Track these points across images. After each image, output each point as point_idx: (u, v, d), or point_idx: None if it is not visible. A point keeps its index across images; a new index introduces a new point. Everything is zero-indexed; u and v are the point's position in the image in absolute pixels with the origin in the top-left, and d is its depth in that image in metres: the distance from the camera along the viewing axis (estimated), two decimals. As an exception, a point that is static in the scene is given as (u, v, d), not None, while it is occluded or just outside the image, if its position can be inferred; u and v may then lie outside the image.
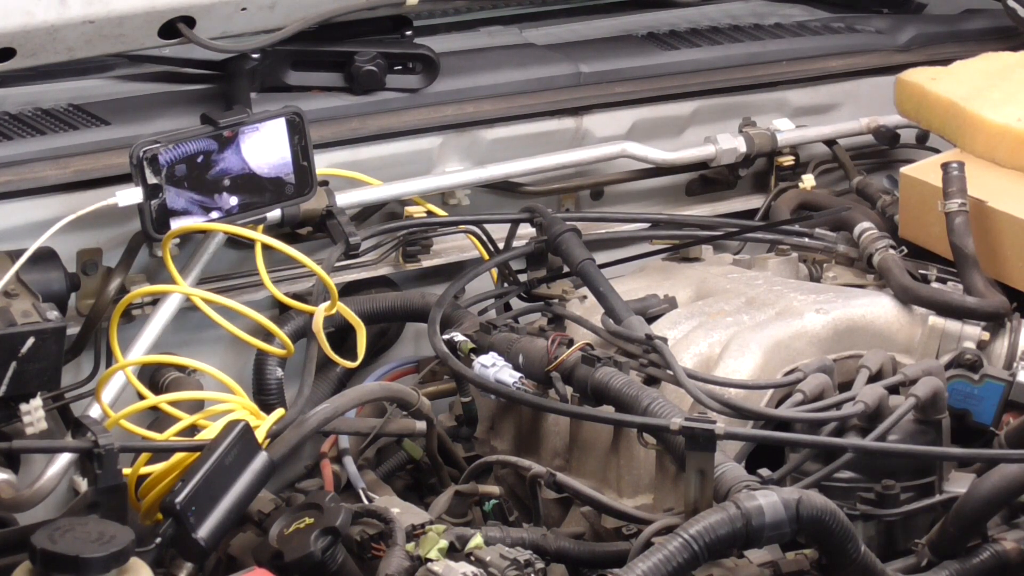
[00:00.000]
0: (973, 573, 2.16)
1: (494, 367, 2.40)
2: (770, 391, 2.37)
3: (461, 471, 2.49)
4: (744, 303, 2.57)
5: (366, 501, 2.33)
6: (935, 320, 2.58)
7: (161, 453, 2.18)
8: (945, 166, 2.71)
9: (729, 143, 3.04)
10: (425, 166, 2.86)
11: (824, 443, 2.24)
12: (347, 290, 2.74)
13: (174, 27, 2.55)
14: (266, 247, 2.51)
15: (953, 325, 2.58)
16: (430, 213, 2.82)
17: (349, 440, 2.50)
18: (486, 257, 2.80)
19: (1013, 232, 2.66)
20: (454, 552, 2.10)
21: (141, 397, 2.35)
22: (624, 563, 1.95)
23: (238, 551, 2.26)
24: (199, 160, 2.46)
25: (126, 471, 2.15)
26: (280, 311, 2.65)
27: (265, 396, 2.56)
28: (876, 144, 3.21)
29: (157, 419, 2.43)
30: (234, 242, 2.62)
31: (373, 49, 2.81)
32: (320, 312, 2.48)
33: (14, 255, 2.34)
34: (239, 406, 2.26)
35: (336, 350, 2.55)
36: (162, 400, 2.30)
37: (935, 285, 2.66)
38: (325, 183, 2.67)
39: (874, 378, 2.36)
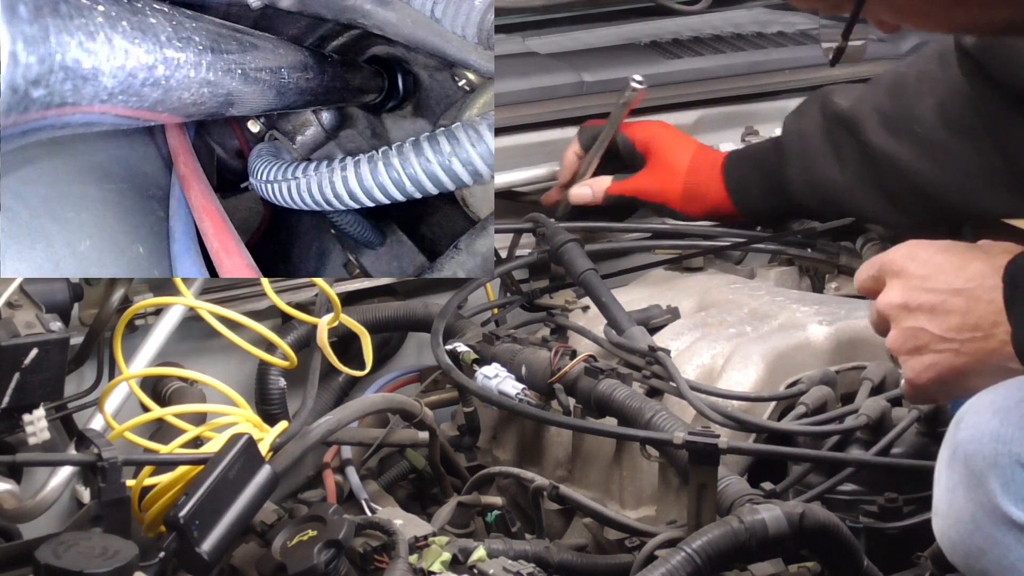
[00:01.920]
0: (975, 586, 2.16)
1: (497, 378, 2.40)
2: (772, 403, 2.37)
3: (463, 481, 2.50)
4: (747, 314, 2.57)
5: (369, 512, 2.33)
6: (938, 331, 2.57)
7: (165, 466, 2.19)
8: (948, 177, 2.70)
9: (732, 152, 3.04)
10: (427, 175, 2.86)
11: (826, 457, 2.24)
12: (349, 299, 2.74)
13: None
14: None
15: (956, 336, 2.57)
16: (433, 222, 2.83)
17: (352, 449, 2.51)
18: (489, 267, 2.81)
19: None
20: (457, 565, 2.10)
21: (144, 407, 2.35)
22: (627, 577, 1.95)
23: (240, 562, 2.26)
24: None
25: (129, 482, 2.15)
26: (283, 321, 2.65)
27: (267, 406, 2.56)
28: (879, 153, 3.20)
29: (160, 428, 2.43)
30: (237, 251, 2.62)
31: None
32: (324, 325, 2.47)
33: (17, 266, 2.34)
34: (243, 419, 2.27)
35: (338, 359, 2.55)
36: (167, 413, 2.30)
37: (938, 296, 2.65)
38: (328, 193, 2.67)
39: (877, 390, 2.36)
